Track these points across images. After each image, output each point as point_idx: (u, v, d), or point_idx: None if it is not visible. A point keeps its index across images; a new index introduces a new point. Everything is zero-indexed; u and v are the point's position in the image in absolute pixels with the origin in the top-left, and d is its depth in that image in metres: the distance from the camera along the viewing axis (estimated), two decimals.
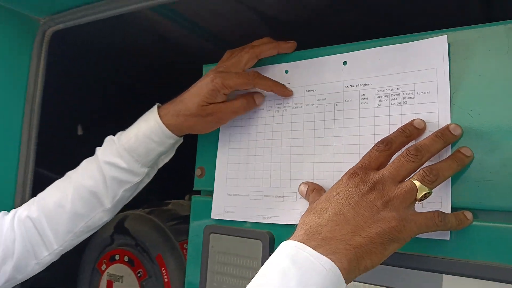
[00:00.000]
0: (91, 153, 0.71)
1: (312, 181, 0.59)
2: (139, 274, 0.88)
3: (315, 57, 0.63)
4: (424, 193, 0.46)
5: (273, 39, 0.67)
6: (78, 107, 1.39)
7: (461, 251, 0.49)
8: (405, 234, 0.44)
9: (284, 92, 0.64)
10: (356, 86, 0.58)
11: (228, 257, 0.65)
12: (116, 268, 0.92)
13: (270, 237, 0.61)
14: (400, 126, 0.52)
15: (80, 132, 1.67)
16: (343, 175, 0.49)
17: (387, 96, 0.55)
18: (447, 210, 0.49)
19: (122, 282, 0.91)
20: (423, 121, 0.52)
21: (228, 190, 0.67)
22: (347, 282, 0.42)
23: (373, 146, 0.50)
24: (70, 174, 0.70)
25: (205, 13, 0.81)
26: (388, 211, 0.44)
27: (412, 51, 0.54)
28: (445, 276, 0.49)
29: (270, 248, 0.61)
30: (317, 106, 0.61)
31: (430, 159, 0.49)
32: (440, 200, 0.50)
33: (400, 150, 0.50)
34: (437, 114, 0.52)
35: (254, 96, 0.66)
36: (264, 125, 0.66)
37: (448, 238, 0.49)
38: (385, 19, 0.78)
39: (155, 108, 0.67)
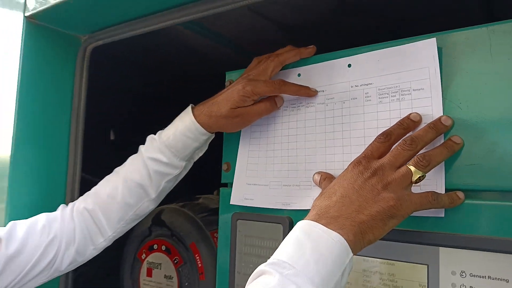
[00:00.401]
0: (122, 156, 0.81)
1: (325, 171, 0.67)
2: (175, 261, 0.98)
3: (323, 61, 0.70)
4: (418, 176, 0.53)
5: (294, 47, 0.75)
6: (111, 114, 1.51)
7: (455, 227, 0.55)
8: (402, 211, 0.52)
9: (308, 93, 0.71)
10: (360, 85, 0.66)
11: (253, 239, 0.73)
12: (155, 257, 1.02)
13: (290, 221, 0.70)
14: (399, 119, 0.60)
15: (112, 137, 1.80)
16: (349, 164, 0.57)
17: (387, 94, 0.63)
18: (442, 191, 0.56)
19: (160, 269, 1.01)
20: (418, 114, 0.59)
21: (248, 180, 0.76)
22: (354, 252, 0.50)
23: (375, 138, 0.58)
24: (118, 170, 0.81)
25: (228, 25, 0.90)
26: (387, 193, 0.52)
27: (407, 53, 0.61)
28: (441, 249, 0.56)
29: (290, 231, 0.69)
30: (327, 105, 0.69)
31: (426, 147, 0.57)
32: (435, 183, 0.57)
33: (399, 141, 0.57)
34: (431, 107, 0.59)
35: (275, 99, 0.74)
36: (281, 123, 0.74)
37: (443, 215, 0.56)
38: (389, 22, 0.85)
39: (189, 109, 0.76)
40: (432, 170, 0.56)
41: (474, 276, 0.53)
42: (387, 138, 0.57)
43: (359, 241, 0.51)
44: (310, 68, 0.72)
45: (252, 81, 0.72)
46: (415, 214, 0.56)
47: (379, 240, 0.55)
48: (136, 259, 1.06)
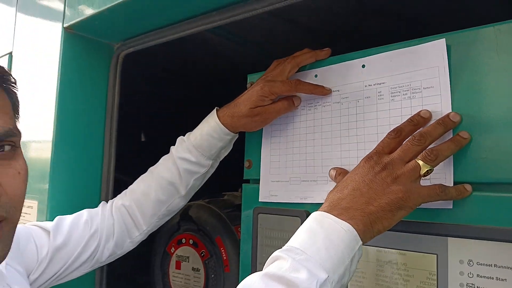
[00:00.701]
0: (152, 156, 0.87)
1: (340, 166, 0.71)
2: (202, 254, 1.03)
3: (339, 62, 0.74)
4: (426, 169, 0.56)
5: (311, 49, 0.79)
6: (142, 117, 1.59)
7: (463, 218, 0.58)
8: (410, 203, 0.55)
9: (323, 92, 0.75)
10: (374, 85, 0.69)
11: (274, 232, 0.78)
12: (183, 250, 1.08)
13: (307, 214, 0.74)
14: (410, 116, 0.63)
15: (143, 138, 1.89)
16: (362, 159, 0.61)
17: (399, 92, 0.66)
18: (450, 184, 0.59)
19: (188, 262, 1.07)
20: (428, 111, 0.62)
21: (272, 177, 0.80)
22: (364, 241, 0.54)
23: (386, 135, 0.61)
24: (152, 169, 0.88)
25: (251, 29, 0.94)
26: (396, 185, 0.55)
27: (417, 53, 0.64)
28: (450, 239, 0.59)
29: None
30: (342, 104, 0.72)
31: (435, 142, 0.60)
32: (444, 176, 0.60)
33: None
34: (440, 104, 0.62)
35: (293, 98, 0.79)
36: (299, 122, 0.78)
37: (451, 207, 0.59)
38: (406, 22, 0.88)
39: (214, 111, 0.82)
40: (441, 163, 0.59)
41: (480, 264, 0.56)
42: (398, 134, 0.60)
43: (369, 230, 0.54)
44: (326, 69, 0.76)
45: (270, 82, 0.76)
46: (424, 206, 0.59)
47: (392, 231, 0.59)
48: (166, 253, 1.12)
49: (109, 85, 0.99)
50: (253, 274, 0.52)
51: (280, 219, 0.77)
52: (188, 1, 0.82)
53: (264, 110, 0.78)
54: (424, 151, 0.57)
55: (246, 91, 0.80)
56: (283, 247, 0.54)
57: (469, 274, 0.56)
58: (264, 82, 0.77)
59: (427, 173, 0.56)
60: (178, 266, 1.09)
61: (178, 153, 0.83)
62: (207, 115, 0.83)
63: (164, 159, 0.87)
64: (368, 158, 0.60)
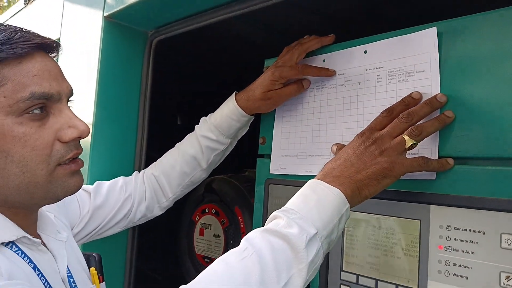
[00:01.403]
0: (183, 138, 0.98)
1: (341, 142, 0.79)
2: (222, 222, 1.14)
3: (344, 48, 0.82)
4: (411, 143, 0.63)
5: (317, 36, 0.87)
6: (177, 101, 1.71)
7: (445, 188, 0.65)
8: (394, 172, 0.63)
9: (327, 73, 0.83)
10: (373, 69, 0.76)
11: (283, 200, 0.86)
12: (206, 219, 1.19)
13: None
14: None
15: (179, 122, 2.01)
16: (356, 135, 0.68)
17: (395, 75, 0.73)
18: (435, 157, 0.66)
19: (210, 229, 1.18)
20: (419, 93, 0.69)
21: (282, 152, 0.89)
22: (352, 204, 0.62)
23: (380, 113, 0.69)
24: (178, 145, 1.00)
25: (275, 17, 1.02)
26: (382, 157, 0.63)
27: (412, 40, 0.71)
28: (432, 206, 0.66)
29: None
30: (345, 86, 0.80)
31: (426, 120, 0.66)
32: (430, 151, 0.67)
33: None
34: (430, 87, 0.68)
35: (302, 81, 0.87)
36: (308, 103, 0.86)
37: (434, 178, 0.66)
38: (419, 8, 0.92)
39: (233, 95, 0.92)
40: (427, 139, 0.66)
41: (457, 229, 0.63)
42: (389, 113, 0.68)
43: (356, 195, 0.62)
44: (333, 54, 0.83)
45: (280, 67, 0.86)
46: (410, 177, 0.67)
47: (382, 199, 0.67)
48: (191, 221, 1.24)
49: (143, 69, 1.10)
50: (254, 230, 0.62)
51: (288, 189, 0.86)
52: None
53: (276, 94, 0.87)
54: (410, 128, 0.64)
55: (260, 76, 0.89)
56: (281, 208, 0.63)
57: (447, 238, 0.64)
58: (274, 68, 0.86)
59: (412, 147, 0.63)
60: (201, 233, 1.20)
61: (201, 131, 0.95)
62: None
63: (189, 136, 0.98)
64: (361, 133, 0.67)
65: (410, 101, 0.68)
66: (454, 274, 0.62)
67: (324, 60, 0.85)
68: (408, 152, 0.64)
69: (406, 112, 0.65)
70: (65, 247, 0.71)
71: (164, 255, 1.45)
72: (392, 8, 0.98)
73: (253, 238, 0.59)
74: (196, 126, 0.97)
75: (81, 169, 0.66)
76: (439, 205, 0.65)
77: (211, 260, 1.16)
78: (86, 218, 0.90)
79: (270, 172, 0.90)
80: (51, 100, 0.61)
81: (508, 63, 0.61)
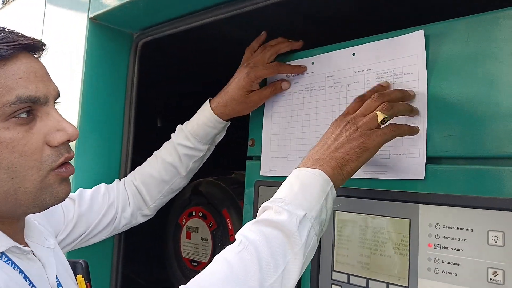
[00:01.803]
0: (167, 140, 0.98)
1: None
2: (210, 225, 1.14)
3: (332, 51, 0.83)
4: (382, 117, 0.65)
5: (286, 39, 0.91)
6: (158, 103, 1.69)
7: (433, 187, 0.67)
8: (371, 144, 0.64)
9: (300, 70, 0.86)
10: (362, 71, 0.77)
11: None
12: (193, 222, 1.19)
13: None
14: None
15: (159, 124, 1.99)
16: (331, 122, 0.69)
17: (383, 77, 0.74)
18: (423, 157, 0.67)
19: (197, 232, 1.17)
20: (387, 82, 0.72)
21: (272, 154, 0.90)
22: (336, 183, 0.63)
23: (352, 100, 0.70)
24: (156, 153, 1.00)
25: (264, 19, 1.03)
26: (357, 133, 0.64)
27: (400, 43, 0.73)
28: (421, 205, 0.67)
29: None
30: (334, 88, 0.81)
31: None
32: (418, 151, 0.68)
33: None
34: (418, 88, 0.70)
35: (281, 83, 0.89)
36: (297, 104, 0.87)
37: (423, 178, 0.67)
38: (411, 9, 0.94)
39: (207, 102, 0.94)
40: (415, 139, 0.68)
41: (446, 227, 0.64)
42: (361, 98, 0.70)
43: (339, 173, 0.63)
44: (321, 56, 0.84)
45: (253, 68, 0.88)
46: (398, 176, 0.68)
47: (372, 199, 0.69)
48: (178, 224, 1.23)
49: (128, 71, 1.09)
50: (246, 223, 0.62)
51: None
52: None
53: (256, 95, 0.90)
54: (382, 104, 0.66)
55: (232, 79, 0.91)
56: (269, 200, 0.64)
57: (436, 236, 0.65)
58: (248, 69, 0.88)
59: (384, 121, 0.65)
60: (188, 237, 1.20)
61: (178, 140, 0.96)
62: None
63: (166, 144, 0.99)
64: (336, 120, 0.69)
65: (380, 89, 0.72)
66: (443, 271, 0.64)
67: (313, 62, 0.86)
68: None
69: (378, 93, 0.68)
70: (53, 254, 0.70)
71: (149, 259, 1.43)
72: (383, 10, 1.00)
73: (246, 230, 0.60)
74: (172, 134, 0.98)
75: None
76: (428, 204, 0.67)
77: (199, 264, 1.15)
78: (71, 225, 0.88)
79: (261, 174, 0.91)
80: (37, 103, 0.59)
81: (492, 65, 0.63)
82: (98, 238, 0.95)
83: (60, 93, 0.65)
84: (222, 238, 1.12)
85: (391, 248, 0.70)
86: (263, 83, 0.92)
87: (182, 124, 0.97)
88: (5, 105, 0.55)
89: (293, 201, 0.60)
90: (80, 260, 0.78)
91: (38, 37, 1.14)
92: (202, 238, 1.16)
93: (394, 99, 0.68)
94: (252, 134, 0.96)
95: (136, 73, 1.09)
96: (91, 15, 1.02)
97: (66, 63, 1.08)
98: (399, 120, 0.69)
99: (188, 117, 0.97)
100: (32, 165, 0.58)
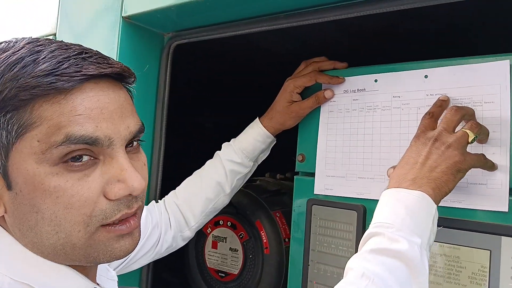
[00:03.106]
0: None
1: None
2: (241, 236, 1.10)
3: (399, 70, 0.80)
4: (473, 137, 0.64)
5: (328, 59, 0.91)
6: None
7: None
8: (465, 165, 0.63)
9: (338, 81, 0.86)
10: (436, 94, 0.76)
11: (328, 222, 0.85)
12: (220, 231, 1.14)
13: (364, 208, 0.81)
14: None
15: None
16: (411, 141, 0.67)
17: (460, 103, 0.73)
18: (506, 190, 0.67)
19: (225, 242, 1.13)
20: (446, 96, 0.72)
21: (327, 172, 0.87)
22: (436, 203, 0.61)
23: (422, 118, 0.69)
24: (199, 171, 0.96)
25: (309, 35, 0.99)
26: (451, 151, 0.62)
27: (482, 70, 0.71)
28: (503, 238, 0.67)
29: (363, 217, 0.81)
30: (402, 109, 0.79)
31: None
32: (500, 182, 0.68)
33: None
34: (499, 118, 0.69)
35: (324, 92, 0.88)
36: (357, 123, 0.84)
37: (507, 210, 0.67)
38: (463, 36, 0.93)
39: (257, 119, 0.94)
40: (497, 172, 0.67)
41: None
42: (431, 115, 0.69)
43: (438, 194, 0.61)
44: (387, 75, 0.82)
45: (293, 78, 0.90)
46: (478, 208, 0.68)
47: (452, 228, 0.67)
48: (202, 232, 1.18)
49: (160, 73, 1.01)
50: (354, 255, 0.59)
51: (335, 211, 0.84)
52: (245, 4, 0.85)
53: (297, 105, 0.90)
54: (470, 122, 0.65)
55: (277, 95, 0.92)
56: (371, 225, 0.61)
57: None
58: (288, 80, 0.90)
59: (473, 140, 0.64)
60: (214, 246, 1.15)
61: (225, 155, 0.93)
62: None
63: (210, 162, 0.96)
64: (417, 137, 0.67)
65: (442, 103, 0.71)
66: None
67: (376, 80, 0.83)
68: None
69: (455, 107, 0.67)
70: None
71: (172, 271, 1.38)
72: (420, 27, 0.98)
73: (363, 261, 0.57)
74: (217, 152, 0.96)
75: None
76: (510, 236, 0.67)
77: (227, 275, 1.12)
78: None
79: (315, 193, 0.88)
80: (98, 145, 0.48)
81: None
82: (140, 264, 0.89)
83: (143, 128, 0.54)
84: (254, 250, 1.09)
85: (466, 278, 0.70)
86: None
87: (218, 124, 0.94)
88: (52, 146, 0.46)
89: (404, 227, 0.57)
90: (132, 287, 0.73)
91: (52, 31, 1.04)
92: (231, 249, 1.12)
93: (470, 113, 0.68)
94: (301, 149, 0.92)
95: (168, 75, 1.02)
96: (124, 15, 0.93)
97: None
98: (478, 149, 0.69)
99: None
100: (78, 220, 0.48)
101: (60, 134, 0.46)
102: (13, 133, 0.46)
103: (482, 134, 0.67)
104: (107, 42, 0.95)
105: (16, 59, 0.46)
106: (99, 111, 0.48)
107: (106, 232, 0.50)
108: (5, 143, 0.46)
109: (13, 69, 0.46)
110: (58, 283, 0.52)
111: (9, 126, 0.46)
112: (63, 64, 0.47)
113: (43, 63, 0.46)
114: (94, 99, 0.49)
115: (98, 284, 0.58)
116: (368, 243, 0.59)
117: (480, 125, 0.66)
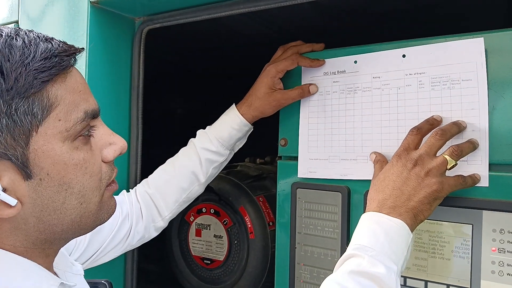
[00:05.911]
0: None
1: (380, 147, 0.79)
2: (225, 223, 1.10)
3: (378, 51, 0.80)
4: (452, 164, 0.66)
5: (303, 42, 0.89)
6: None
7: (497, 194, 0.69)
8: (443, 193, 0.65)
9: (318, 63, 0.85)
10: (414, 74, 0.76)
11: (313, 205, 0.86)
12: (204, 219, 1.13)
13: (348, 190, 0.82)
14: (449, 105, 0.72)
15: None
16: (392, 157, 0.68)
17: (439, 82, 0.74)
18: (486, 166, 0.69)
19: (209, 230, 1.13)
20: (440, 116, 0.72)
21: (310, 155, 0.87)
22: (412, 231, 0.64)
23: (408, 132, 0.69)
24: (172, 160, 0.93)
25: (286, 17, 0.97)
26: (429, 178, 0.64)
27: (457, 48, 0.72)
28: (484, 212, 0.70)
29: (348, 198, 0.82)
30: (382, 90, 0.79)
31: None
32: (480, 159, 0.70)
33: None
34: (477, 96, 0.70)
35: (309, 86, 0.86)
36: (338, 105, 0.84)
37: (487, 185, 0.69)
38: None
39: (233, 105, 0.90)
40: (477, 149, 0.69)
41: (511, 232, 0.67)
42: (419, 131, 0.69)
43: (414, 223, 0.64)
44: (366, 56, 0.82)
45: (274, 63, 0.87)
46: None
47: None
48: (184, 221, 1.17)
49: (133, 60, 0.98)
50: (333, 274, 0.61)
51: (320, 193, 0.85)
52: None
53: (281, 94, 0.87)
54: (451, 147, 0.66)
55: (257, 80, 0.89)
56: (352, 246, 0.63)
57: (500, 240, 0.68)
58: (269, 65, 0.87)
59: (452, 167, 0.66)
60: (198, 234, 1.15)
61: (200, 143, 0.90)
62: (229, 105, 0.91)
63: (184, 150, 0.93)
64: (398, 156, 0.68)
65: (434, 122, 0.71)
66: (508, 274, 0.68)
67: (355, 61, 0.83)
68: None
69: (440, 129, 0.68)
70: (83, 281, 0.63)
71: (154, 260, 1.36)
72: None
73: (342, 279, 0.59)
74: (191, 139, 0.93)
75: None
76: (490, 210, 0.69)
77: (213, 262, 1.12)
78: (85, 243, 0.80)
79: (299, 176, 0.88)
80: (95, 117, 0.55)
81: None
82: (110, 256, 0.87)
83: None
84: (239, 235, 1.09)
85: (449, 252, 0.73)
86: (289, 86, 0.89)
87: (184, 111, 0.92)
88: (76, 123, 0.50)
89: (382, 252, 0.60)
90: (103, 280, 0.70)
91: (13, 18, 0.98)
92: (215, 236, 1.11)
93: (453, 135, 0.68)
94: (283, 133, 0.92)
95: (141, 61, 0.98)
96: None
97: None
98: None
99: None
100: (96, 185, 0.54)
101: (79, 111, 0.51)
102: (39, 116, 0.47)
103: (466, 153, 0.68)
104: (75, 29, 0.91)
105: (7, 45, 0.47)
106: (86, 86, 0.54)
107: (108, 191, 0.57)
108: (28, 128, 0.47)
109: (13, 55, 0.46)
110: (23, 280, 0.51)
111: (34, 109, 0.47)
112: (53, 45, 0.49)
113: (39, 46, 0.48)
114: (79, 75, 0.54)
115: (58, 276, 0.57)
116: (348, 263, 0.61)
117: (462, 148, 0.66)
